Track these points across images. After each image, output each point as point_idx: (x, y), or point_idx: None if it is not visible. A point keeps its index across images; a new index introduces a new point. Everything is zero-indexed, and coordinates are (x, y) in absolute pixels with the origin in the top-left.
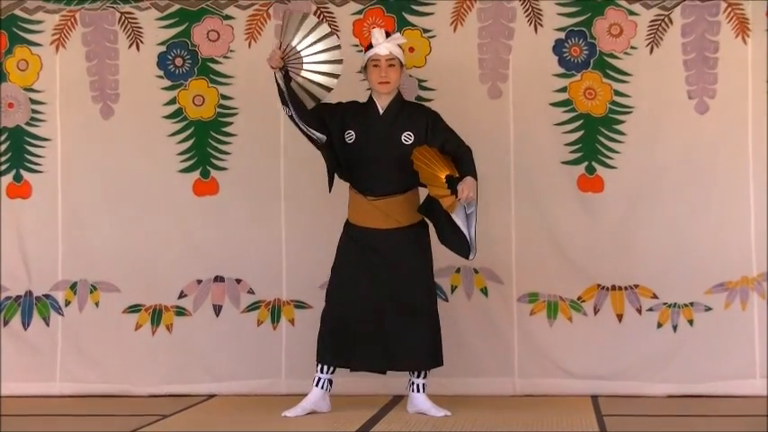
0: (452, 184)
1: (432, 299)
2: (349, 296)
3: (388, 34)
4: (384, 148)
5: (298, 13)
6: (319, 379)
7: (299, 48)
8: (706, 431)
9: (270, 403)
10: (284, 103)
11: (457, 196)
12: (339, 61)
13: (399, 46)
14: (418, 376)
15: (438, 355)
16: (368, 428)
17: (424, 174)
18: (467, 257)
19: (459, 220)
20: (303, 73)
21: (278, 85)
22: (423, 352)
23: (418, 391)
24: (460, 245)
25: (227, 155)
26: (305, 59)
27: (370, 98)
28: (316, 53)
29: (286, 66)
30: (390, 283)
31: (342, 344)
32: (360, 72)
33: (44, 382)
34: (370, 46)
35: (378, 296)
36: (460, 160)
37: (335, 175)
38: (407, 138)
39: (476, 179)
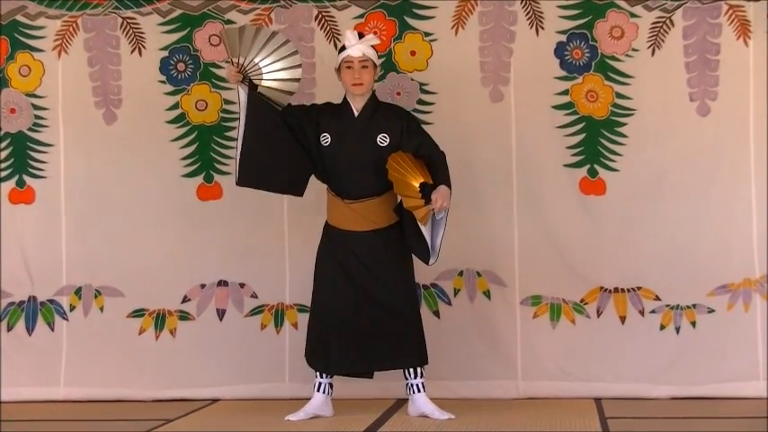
0: (426, 191)
1: (411, 299)
2: (330, 301)
3: (361, 35)
4: (359, 150)
5: (251, 28)
6: (320, 384)
7: (257, 60)
8: None
9: (273, 407)
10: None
11: (431, 206)
12: (298, 65)
13: (373, 47)
14: (414, 377)
15: (421, 353)
16: None
17: (398, 184)
18: (426, 262)
19: (424, 227)
20: (264, 82)
21: (239, 101)
22: (405, 350)
23: (418, 391)
24: (421, 248)
25: (230, 159)
26: (264, 70)
27: (345, 99)
28: (275, 62)
29: (248, 77)
30: (369, 285)
31: (325, 349)
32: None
33: (48, 387)
34: (343, 48)
35: (357, 299)
36: (435, 166)
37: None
38: (383, 140)
39: (449, 187)
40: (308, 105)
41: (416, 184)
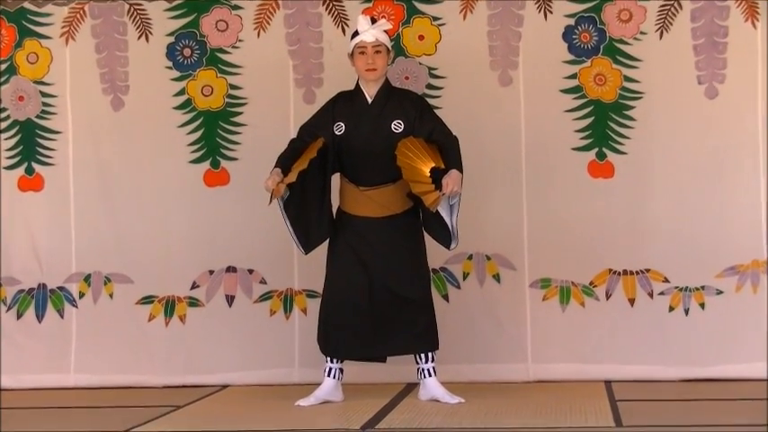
0: (437, 177)
1: (423, 285)
2: (342, 287)
3: (374, 20)
4: (374, 137)
5: None
6: (330, 369)
7: None
8: (719, 415)
9: (283, 393)
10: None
11: (441, 191)
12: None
13: (386, 32)
14: (425, 361)
15: (432, 339)
16: (381, 416)
17: (406, 170)
18: (448, 247)
19: (443, 210)
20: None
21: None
22: (416, 336)
23: (429, 375)
24: (443, 234)
25: (237, 145)
26: None
27: (358, 86)
28: None
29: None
30: (382, 270)
31: (338, 334)
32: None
33: (59, 374)
34: (355, 33)
35: (370, 284)
36: (446, 151)
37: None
38: (397, 126)
39: (461, 171)
40: (323, 111)
41: (426, 170)
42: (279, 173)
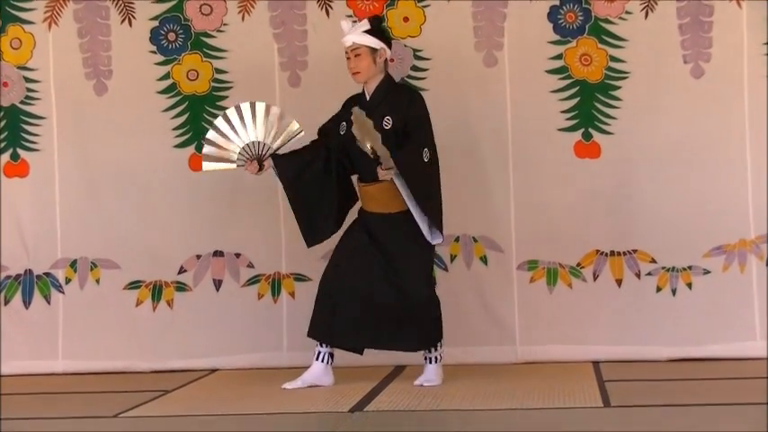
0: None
1: (424, 283)
2: (343, 274)
3: (359, 22)
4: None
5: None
6: (319, 353)
7: (261, 139)
8: (707, 394)
9: (272, 376)
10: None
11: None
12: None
13: (371, 33)
14: (428, 351)
15: (425, 339)
16: (369, 399)
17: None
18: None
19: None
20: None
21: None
22: (408, 334)
23: (430, 362)
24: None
25: None
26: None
27: (363, 88)
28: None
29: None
30: (384, 264)
31: (332, 321)
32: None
33: (46, 360)
34: None
35: (370, 277)
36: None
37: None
38: (387, 123)
39: (398, 159)
40: (336, 114)
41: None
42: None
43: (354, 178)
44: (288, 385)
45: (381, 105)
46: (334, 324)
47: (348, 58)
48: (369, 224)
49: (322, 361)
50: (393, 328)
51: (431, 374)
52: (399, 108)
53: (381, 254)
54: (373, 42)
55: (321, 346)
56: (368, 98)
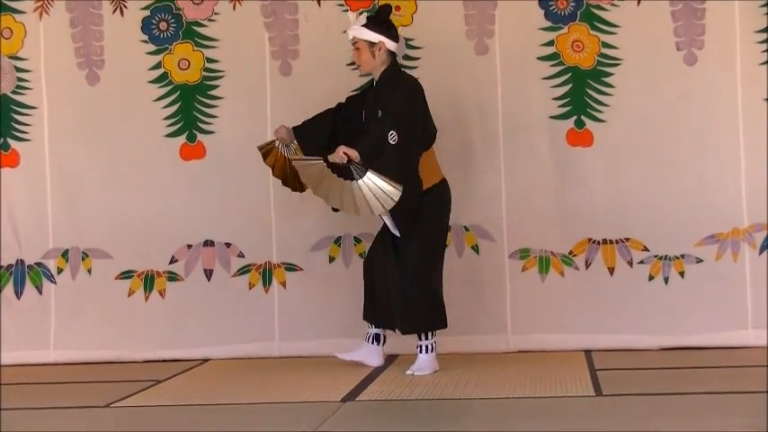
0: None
1: (422, 265)
2: (368, 259)
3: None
4: (369, 122)
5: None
6: (366, 333)
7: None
8: (699, 383)
9: (264, 366)
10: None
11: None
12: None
13: (366, 25)
14: (419, 339)
15: (413, 321)
16: (361, 389)
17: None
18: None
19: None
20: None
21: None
22: (403, 313)
23: (420, 351)
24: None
25: (213, 118)
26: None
27: None
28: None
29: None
30: (392, 248)
31: (368, 303)
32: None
33: (38, 350)
34: None
35: (384, 259)
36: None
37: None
38: (380, 112)
39: (362, 152)
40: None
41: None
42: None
43: None
44: (340, 355)
45: (378, 96)
46: (370, 307)
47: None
48: None
49: (369, 342)
50: (393, 308)
51: (422, 363)
52: (385, 95)
53: (388, 237)
54: (371, 36)
55: (369, 326)
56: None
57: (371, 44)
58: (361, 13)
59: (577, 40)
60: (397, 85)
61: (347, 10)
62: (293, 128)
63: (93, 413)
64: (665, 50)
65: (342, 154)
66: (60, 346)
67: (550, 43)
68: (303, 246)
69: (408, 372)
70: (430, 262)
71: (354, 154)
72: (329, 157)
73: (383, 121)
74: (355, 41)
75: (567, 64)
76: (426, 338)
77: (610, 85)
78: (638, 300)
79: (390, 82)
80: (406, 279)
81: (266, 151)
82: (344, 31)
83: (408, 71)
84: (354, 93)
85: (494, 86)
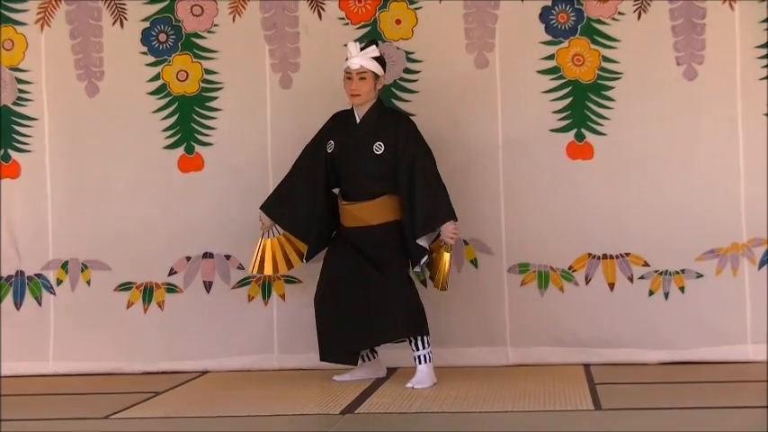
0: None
1: (401, 276)
2: (330, 286)
3: (366, 47)
4: (357, 157)
5: None
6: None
7: None
8: (699, 397)
9: (263, 378)
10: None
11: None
12: None
13: (375, 59)
14: (415, 349)
15: (418, 323)
16: (361, 401)
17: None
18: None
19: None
20: None
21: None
22: (390, 323)
23: (419, 362)
24: (415, 253)
25: (211, 130)
26: None
27: (352, 106)
28: None
29: None
30: (363, 266)
31: (332, 335)
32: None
33: (38, 362)
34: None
35: (353, 278)
36: (434, 197)
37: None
38: (378, 148)
39: (453, 215)
40: (321, 130)
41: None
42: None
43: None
44: (339, 378)
45: (372, 130)
46: (329, 340)
47: (349, 79)
48: (347, 236)
49: (362, 359)
50: (372, 323)
51: (422, 376)
52: (389, 133)
53: (358, 257)
54: (379, 69)
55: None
56: (358, 120)
57: (376, 77)
58: (364, 46)
59: (578, 54)
60: (409, 125)
61: (348, 24)
62: (270, 214)
63: (92, 425)
64: (665, 65)
65: (453, 236)
66: (59, 358)
67: (551, 57)
68: None
69: (408, 385)
70: (408, 273)
71: (456, 229)
72: (445, 243)
73: (425, 163)
74: (362, 71)
75: (568, 78)
76: (423, 347)
77: (610, 99)
78: (638, 315)
79: (393, 118)
80: (397, 286)
81: (260, 261)
82: (347, 59)
83: (408, 84)
84: (311, 147)
85: (494, 100)
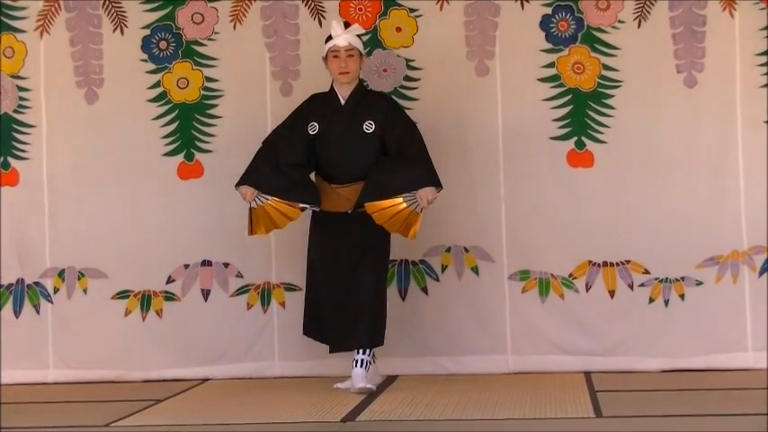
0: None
1: (377, 279)
2: (318, 280)
3: (347, 25)
4: (346, 137)
5: None
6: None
7: None
8: (699, 405)
9: (263, 386)
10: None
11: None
12: None
13: (358, 36)
14: (357, 352)
15: (372, 336)
16: (361, 409)
17: (379, 217)
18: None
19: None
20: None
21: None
22: (361, 330)
23: (359, 366)
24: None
25: (211, 137)
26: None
27: (332, 88)
28: None
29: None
30: (350, 263)
31: (320, 325)
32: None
33: (38, 370)
34: (329, 38)
35: (340, 275)
36: (416, 162)
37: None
38: (369, 126)
39: (434, 182)
40: (297, 112)
41: (397, 202)
42: (252, 192)
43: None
44: (341, 385)
45: (359, 110)
46: (326, 329)
47: (336, 57)
48: (331, 224)
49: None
50: (344, 327)
51: (356, 377)
52: (379, 113)
53: (343, 251)
54: (362, 47)
55: (356, 352)
56: (342, 101)
57: (360, 55)
58: (347, 25)
59: (578, 61)
60: (393, 103)
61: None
62: (249, 184)
63: None
64: (665, 73)
65: (427, 203)
66: (59, 366)
67: (551, 65)
68: (302, 266)
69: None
70: (386, 269)
71: (432, 194)
72: (416, 206)
73: (414, 140)
74: (351, 48)
75: (568, 86)
76: (367, 354)
77: (611, 107)
78: (639, 322)
79: (377, 97)
80: (370, 295)
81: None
82: (329, 38)
83: (409, 92)
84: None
85: (494, 107)
